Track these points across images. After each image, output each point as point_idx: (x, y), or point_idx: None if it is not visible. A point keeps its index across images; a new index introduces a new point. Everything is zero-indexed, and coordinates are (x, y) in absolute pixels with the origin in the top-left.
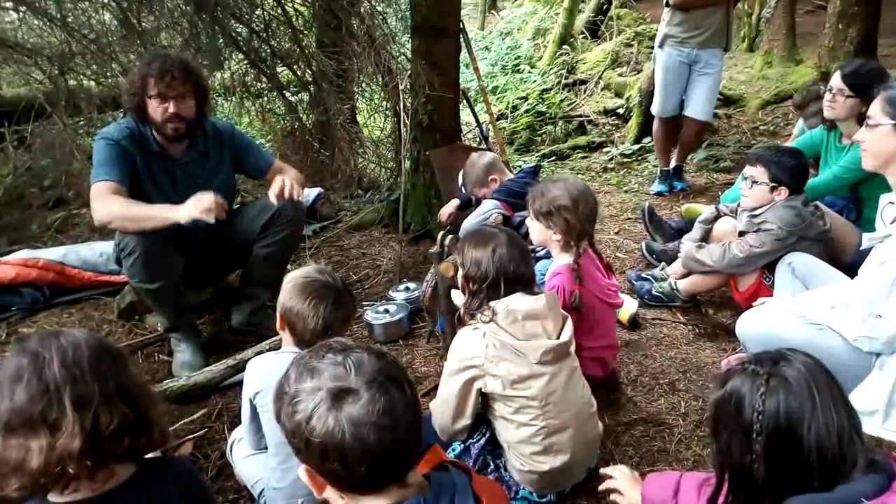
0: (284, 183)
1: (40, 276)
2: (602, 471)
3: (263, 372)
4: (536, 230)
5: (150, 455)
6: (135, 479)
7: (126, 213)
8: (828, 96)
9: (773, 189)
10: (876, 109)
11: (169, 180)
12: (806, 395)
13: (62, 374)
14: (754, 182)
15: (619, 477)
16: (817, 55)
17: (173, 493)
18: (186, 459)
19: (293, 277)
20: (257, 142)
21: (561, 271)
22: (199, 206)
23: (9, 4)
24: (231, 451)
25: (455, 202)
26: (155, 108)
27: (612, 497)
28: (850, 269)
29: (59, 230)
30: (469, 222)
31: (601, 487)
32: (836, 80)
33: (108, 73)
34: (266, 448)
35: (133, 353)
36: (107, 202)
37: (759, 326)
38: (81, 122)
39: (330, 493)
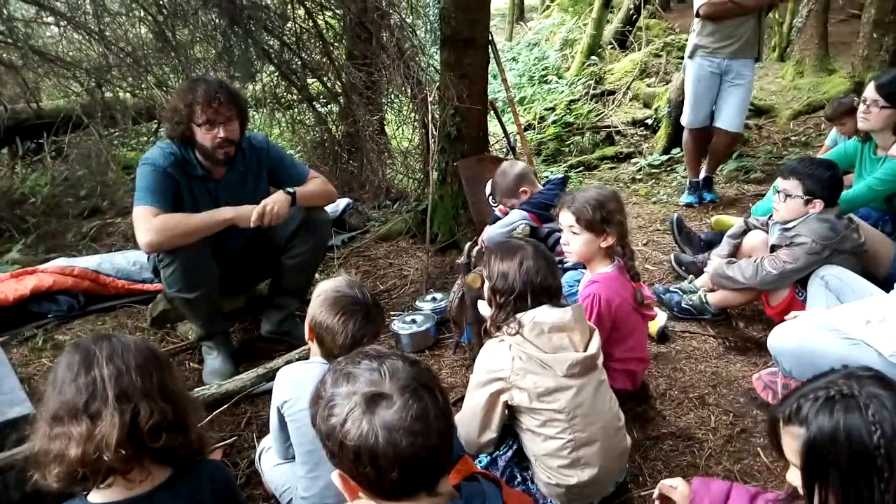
0: (266, 207)
1: (76, 284)
2: (664, 482)
3: (292, 381)
4: (585, 242)
5: None
6: (171, 481)
7: (176, 228)
8: (862, 107)
9: (807, 202)
10: None
11: (211, 201)
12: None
13: (109, 369)
14: (788, 195)
15: (680, 489)
16: (851, 64)
17: (207, 492)
18: (222, 462)
19: (324, 290)
20: (288, 152)
21: (598, 280)
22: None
23: (50, 19)
24: (259, 459)
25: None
26: (204, 135)
27: None
28: (886, 283)
29: (94, 239)
30: (495, 232)
31: (656, 493)
32: (870, 91)
33: (143, 86)
34: (294, 457)
35: None
36: (153, 225)
37: (791, 341)
38: (117, 134)
39: (362, 499)
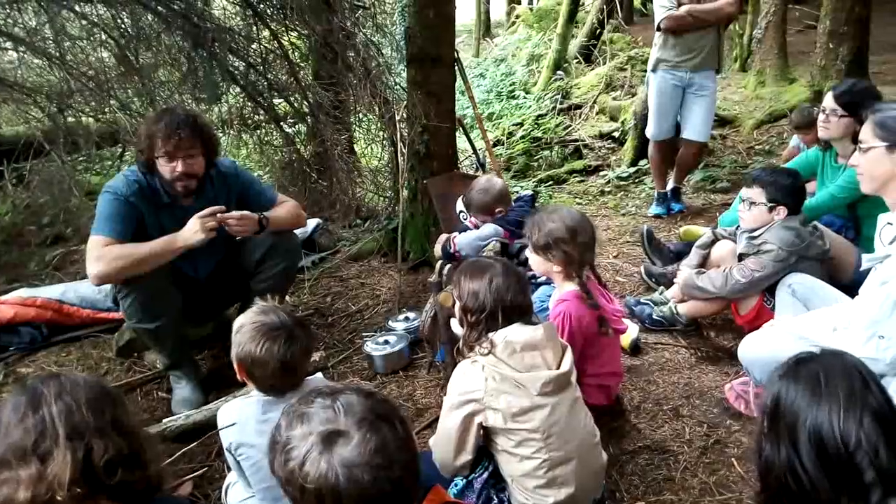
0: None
1: (38, 315)
2: None
3: (233, 420)
4: (537, 262)
5: None
6: None
7: (124, 258)
8: (821, 117)
9: (771, 209)
10: (867, 133)
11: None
12: (809, 389)
13: (58, 406)
14: (752, 203)
15: None
16: (809, 74)
17: None
18: (185, 499)
19: (240, 325)
20: (256, 174)
21: (567, 298)
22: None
23: (8, 45)
24: (226, 494)
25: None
26: (163, 167)
27: None
28: (850, 289)
29: (58, 267)
30: (469, 241)
31: None
32: (828, 101)
33: (106, 110)
34: None
35: (132, 390)
36: (101, 255)
37: (761, 350)
38: (80, 159)
39: None
